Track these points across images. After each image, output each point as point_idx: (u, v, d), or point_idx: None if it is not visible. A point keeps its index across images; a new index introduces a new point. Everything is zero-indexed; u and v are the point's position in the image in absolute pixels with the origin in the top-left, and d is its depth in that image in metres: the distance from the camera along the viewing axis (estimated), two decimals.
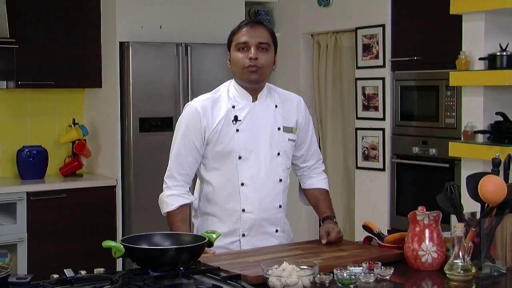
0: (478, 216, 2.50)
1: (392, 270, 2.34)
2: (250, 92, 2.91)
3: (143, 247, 2.31)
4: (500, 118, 4.00)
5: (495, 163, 2.61)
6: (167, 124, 5.21)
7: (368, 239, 2.87)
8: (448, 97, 4.67)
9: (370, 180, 5.21)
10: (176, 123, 2.96)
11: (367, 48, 5.21)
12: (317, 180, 3.09)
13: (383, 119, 5.11)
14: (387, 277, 2.32)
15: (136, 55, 5.18)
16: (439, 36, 4.71)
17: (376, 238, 2.81)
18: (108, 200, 5.21)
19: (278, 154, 2.92)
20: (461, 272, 2.33)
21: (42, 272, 2.57)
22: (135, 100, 5.18)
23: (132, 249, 2.26)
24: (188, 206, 2.91)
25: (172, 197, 2.86)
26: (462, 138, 4.16)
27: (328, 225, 2.90)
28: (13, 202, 4.83)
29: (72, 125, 5.46)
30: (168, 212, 2.87)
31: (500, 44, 4.00)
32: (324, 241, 2.80)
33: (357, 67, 5.31)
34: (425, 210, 2.46)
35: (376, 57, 5.14)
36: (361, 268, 2.32)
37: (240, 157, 2.86)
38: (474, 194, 2.51)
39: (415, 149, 4.89)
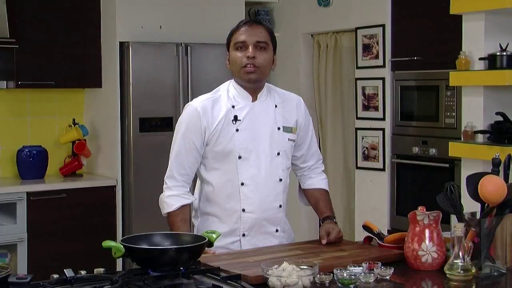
0: (478, 216, 2.50)
1: (392, 270, 2.34)
2: (249, 92, 2.91)
3: (143, 247, 2.31)
4: (500, 118, 4.00)
5: (495, 163, 2.61)
6: (167, 124, 5.21)
7: (368, 239, 2.87)
8: (448, 97, 4.67)
9: (370, 180, 5.21)
10: (176, 123, 2.97)
11: (367, 48, 5.21)
12: (317, 180, 3.09)
13: (383, 119, 5.11)
14: (387, 277, 2.32)
15: (136, 55, 5.18)
16: (439, 36, 4.71)
17: (376, 238, 2.81)
18: (108, 200, 5.21)
19: (278, 154, 2.92)
20: (461, 272, 2.33)
21: (42, 272, 2.57)
22: (135, 100, 5.18)
23: (132, 249, 2.26)
24: (189, 206, 2.91)
25: (172, 197, 2.86)
26: (462, 138, 4.16)
27: (328, 225, 2.90)
28: (13, 202, 4.83)
29: (72, 125, 5.46)
30: (168, 213, 2.87)
31: (500, 44, 4.00)
32: (324, 241, 2.80)
33: (357, 67, 5.31)
34: (425, 210, 2.46)
35: (376, 57, 5.14)
36: (361, 268, 2.32)
37: (240, 157, 2.86)
38: (474, 194, 2.51)
39: (415, 149, 4.89)
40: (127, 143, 5.20)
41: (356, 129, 5.34)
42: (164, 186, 2.91)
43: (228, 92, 2.92)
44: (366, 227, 2.88)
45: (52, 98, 5.52)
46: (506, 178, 2.59)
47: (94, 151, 5.51)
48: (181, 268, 2.25)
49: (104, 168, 5.44)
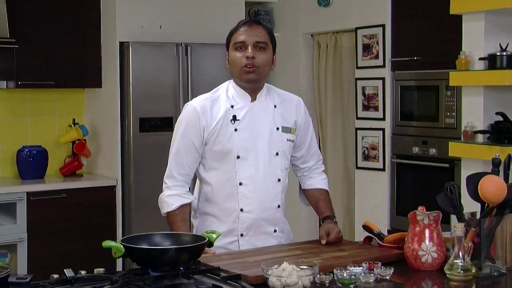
0: (478, 216, 2.50)
1: (392, 270, 2.34)
2: (249, 92, 2.91)
3: (143, 247, 2.31)
4: (500, 118, 4.00)
5: (495, 163, 2.61)
6: (167, 124, 5.21)
7: (368, 239, 2.87)
8: (448, 97, 4.67)
9: (370, 180, 5.21)
10: (176, 123, 2.97)
11: (367, 48, 5.21)
12: (317, 181, 3.09)
13: (383, 119, 5.11)
14: (387, 277, 2.32)
15: (136, 55, 5.18)
16: (439, 36, 4.71)
17: (376, 238, 2.81)
18: (108, 200, 5.21)
19: (277, 154, 2.92)
20: (461, 272, 2.33)
21: (42, 272, 2.57)
22: (135, 100, 5.18)
23: (132, 249, 2.26)
24: (188, 206, 2.91)
25: (172, 197, 2.86)
26: (462, 138, 4.16)
27: (328, 225, 2.90)
28: (13, 202, 4.83)
29: (72, 125, 5.46)
30: (168, 212, 2.87)
31: (500, 44, 4.00)
32: (324, 242, 2.80)
33: (357, 67, 5.31)
34: (425, 210, 2.46)
35: (376, 57, 5.14)
36: (361, 268, 2.32)
37: (238, 157, 2.85)
38: (474, 194, 2.51)
39: (415, 149, 4.89)
40: (127, 143, 5.20)
41: (356, 129, 5.34)
42: (163, 185, 2.91)
43: (227, 92, 2.92)
44: (366, 227, 2.88)
45: (52, 98, 5.52)
46: (506, 178, 2.59)
47: (94, 151, 5.51)
48: (181, 268, 2.25)
49: (104, 168, 5.44)
